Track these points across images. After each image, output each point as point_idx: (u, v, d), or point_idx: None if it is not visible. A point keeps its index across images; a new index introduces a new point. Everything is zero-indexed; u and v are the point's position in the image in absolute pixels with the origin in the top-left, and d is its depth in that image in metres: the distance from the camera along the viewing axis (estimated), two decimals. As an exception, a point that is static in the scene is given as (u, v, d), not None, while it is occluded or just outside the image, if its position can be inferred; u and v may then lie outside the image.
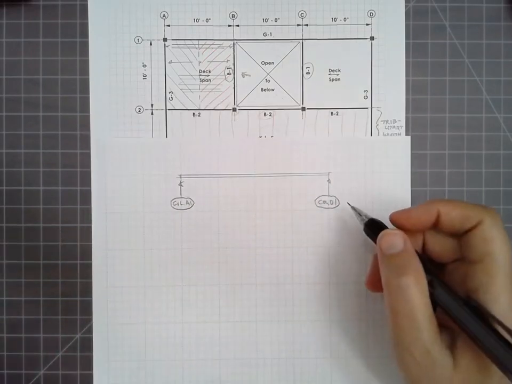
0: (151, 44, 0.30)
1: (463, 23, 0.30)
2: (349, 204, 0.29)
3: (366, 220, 0.27)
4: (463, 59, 0.30)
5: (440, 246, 0.25)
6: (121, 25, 0.30)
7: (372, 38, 0.30)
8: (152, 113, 0.30)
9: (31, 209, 0.30)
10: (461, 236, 0.23)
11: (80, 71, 0.30)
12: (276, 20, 0.30)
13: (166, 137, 0.30)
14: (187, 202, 0.30)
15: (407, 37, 0.30)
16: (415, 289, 0.22)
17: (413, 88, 0.30)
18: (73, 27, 0.30)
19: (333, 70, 0.30)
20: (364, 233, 0.27)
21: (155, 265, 0.30)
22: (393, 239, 0.23)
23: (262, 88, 0.30)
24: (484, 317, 0.21)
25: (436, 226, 0.24)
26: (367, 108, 0.30)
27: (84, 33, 0.30)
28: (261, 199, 0.30)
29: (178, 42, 0.30)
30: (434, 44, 0.30)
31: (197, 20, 0.30)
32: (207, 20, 0.30)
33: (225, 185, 0.30)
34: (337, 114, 0.30)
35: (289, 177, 0.30)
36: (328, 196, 0.30)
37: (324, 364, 0.30)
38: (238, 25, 0.30)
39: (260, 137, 0.30)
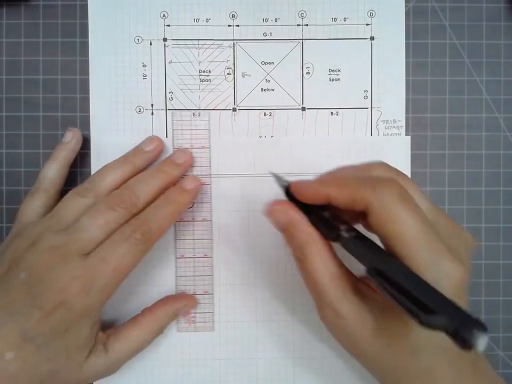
0: (151, 44, 0.30)
1: (463, 23, 0.30)
2: (271, 173, 0.26)
3: (286, 184, 0.24)
4: (463, 59, 0.30)
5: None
6: (121, 25, 0.30)
7: (372, 38, 0.30)
8: (152, 113, 0.30)
9: (31, 209, 0.30)
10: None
11: (80, 71, 0.30)
12: (276, 19, 0.30)
13: (166, 137, 0.30)
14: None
15: (407, 37, 0.30)
16: (309, 255, 0.22)
17: (413, 88, 0.30)
18: (73, 27, 0.30)
19: (333, 70, 0.30)
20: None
21: (154, 264, 0.30)
22: (276, 214, 0.23)
23: (262, 88, 0.30)
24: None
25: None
26: (367, 108, 0.30)
27: (84, 33, 0.30)
28: (261, 199, 0.30)
29: (178, 42, 0.30)
30: (434, 44, 0.30)
31: (197, 20, 0.30)
32: (207, 20, 0.30)
33: (225, 185, 0.30)
34: (337, 114, 0.30)
35: (289, 177, 0.30)
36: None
37: (324, 363, 0.30)
38: (238, 25, 0.30)
39: (260, 137, 0.30)
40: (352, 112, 0.30)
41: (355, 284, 0.22)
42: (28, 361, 0.23)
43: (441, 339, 0.17)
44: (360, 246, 0.21)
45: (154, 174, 0.27)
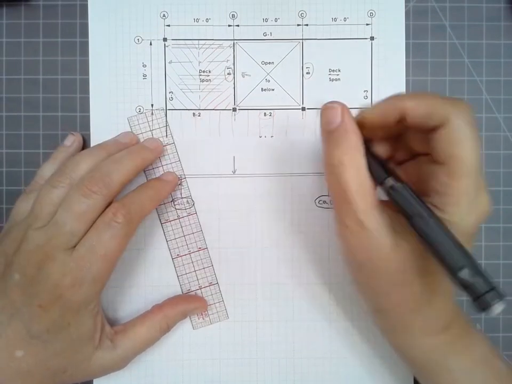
0: (151, 44, 0.30)
1: (463, 23, 0.30)
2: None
3: None
4: (463, 59, 0.30)
5: (410, 137, 0.24)
6: (121, 25, 0.30)
7: (372, 38, 0.30)
8: (152, 113, 0.30)
9: (31, 209, 0.30)
10: (428, 132, 0.22)
11: (80, 71, 0.30)
12: (276, 19, 0.30)
13: (166, 137, 0.30)
14: (187, 202, 0.30)
15: (407, 37, 0.30)
16: (347, 163, 0.22)
17: (413, 88, 0.30)
18: (73, 27, 0.30)
19: (333, 70, 0.30)
20: None
21: (155, 265, 0.30)
22: (331, 114, 0.23)
23: (262, 88, 0.30)
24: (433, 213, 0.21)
25: (402, 122, 0.23)
26: (367, 108, 0.30)
27: (84, 33, 0.30)
28: (261, 199, 0.30)
29: (178, 42, 0.30)
30: (434, 44, 0.30)
31: (197, 20, 0.30)
32: (207, 20, 0.30)
33: (225, 185, 0.30)
34: (337, 114, 0.30)
35: (289, 177, 0.30)
36: (328, 195, 0.30)
37: (324, 363, 0.30)
38: (238, 25, 0.30)
39: (260, 137, 0.30)
40: (352, 112, 0.30)
41: (379, 203, 0.23)
42: (38, 357, 0.24)
43: None
44: (405, 195, 0.21)
45: (126, 156, 0.26)
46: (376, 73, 0.30)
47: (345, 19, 0.30)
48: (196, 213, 0.30)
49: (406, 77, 0.30)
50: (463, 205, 0.21)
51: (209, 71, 0.30)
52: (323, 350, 0.30)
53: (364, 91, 0.30)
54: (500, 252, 0.31)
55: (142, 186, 0.27)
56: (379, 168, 0.23)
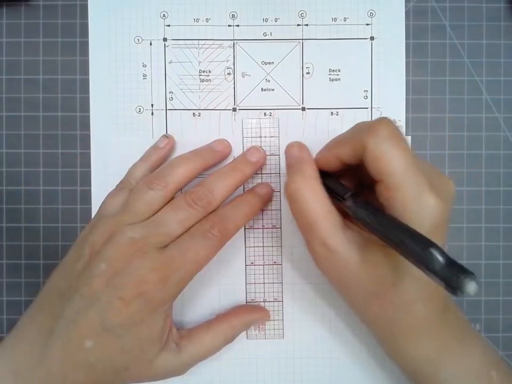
0: (151, 44, 0.30)
1: (463, 23, 0.30)
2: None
3: None
4: (463, 59, 0.30)
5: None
6: (121, 25, 0.30)
7: (372, 38, 0.30)
8: (152, 113, 0.30)
9: (31, 209, 0.30)
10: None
11: (80, 71, 0.30)
12: (276, 19, 0.30)
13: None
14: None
15: (407, 37, 0.30)
16: (304, 188, 0.23)
17: (413, 88, 0.30)
18: (73, 27, 0.30)
19: (333, 70, 0.30)
20: None
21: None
22: (292, 150, 0.26)
23: (262, 88, 0.30)
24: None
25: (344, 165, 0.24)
26: (367, 108, 0.30)
27: (84, 33, 0.30)
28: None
29: (179, 42, 0.30)
30: (434, 44, 0.30)
31: (197, 20, 0.30)
32: (207, 20, 0.30)
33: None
34: (337, 114, 0.30)
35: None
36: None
37: (324, 364, 0.30)
38: (238, 25, 0.30)
39: (260, 137, 0.30)
40: (352, 112, 0.30)
41: (341, 219, 0.24)
42: (105, 351, 0.24)
43: (421, 273, 0.19)
44: (363, 206, 0.22)
45: (229, 173, 0.27)
46: (376, 73, 0.30)
47: (345, 19, 0.30)
48: (280, 228, 0.30)
49: (406, 77, 0.30)
50: (411, 210, 0.21)
51: (209, 71, 0.30)
52: (323, 350, 0.30)
53: (364, 91, 0.30)
54: (499, 252, 0.31)
55: (239, 202, 0.27)
56: (339, 188, 0.24)
